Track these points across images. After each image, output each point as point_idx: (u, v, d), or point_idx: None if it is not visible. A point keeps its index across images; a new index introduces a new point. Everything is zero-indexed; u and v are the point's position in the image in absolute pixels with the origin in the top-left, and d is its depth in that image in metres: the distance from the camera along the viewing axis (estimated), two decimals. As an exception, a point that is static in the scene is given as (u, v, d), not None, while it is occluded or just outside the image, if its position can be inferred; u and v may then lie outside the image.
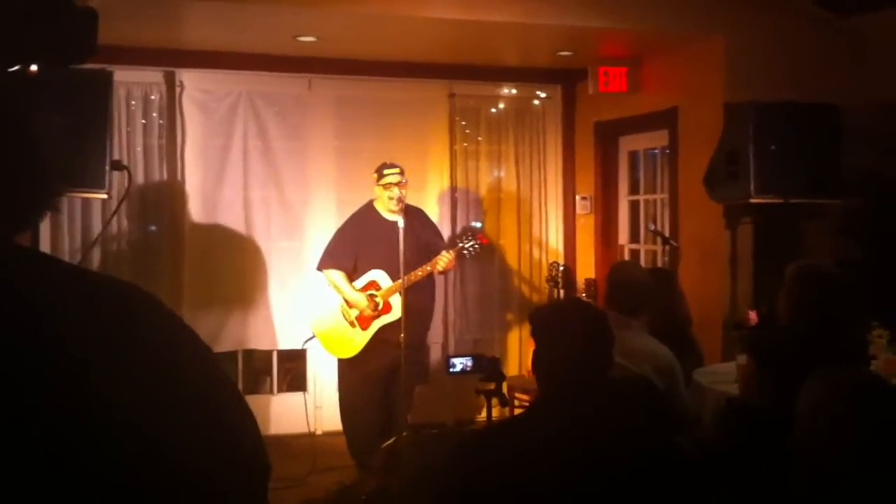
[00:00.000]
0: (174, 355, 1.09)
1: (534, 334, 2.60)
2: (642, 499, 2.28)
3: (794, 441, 2.15)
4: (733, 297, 5.29)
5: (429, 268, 5.41)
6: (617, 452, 2.30)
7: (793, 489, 2.09)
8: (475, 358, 4.19)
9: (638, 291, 3.79)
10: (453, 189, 6.85)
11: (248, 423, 1.15)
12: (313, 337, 5.60)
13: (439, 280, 6.05)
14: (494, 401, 3.92)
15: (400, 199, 5.30)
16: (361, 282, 5.47)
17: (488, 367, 3.99)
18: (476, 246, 5.63)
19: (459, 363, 4.15)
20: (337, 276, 5.47)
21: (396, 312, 5.34)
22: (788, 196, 4.86)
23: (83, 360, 1.00)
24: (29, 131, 1.07)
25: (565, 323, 2.57)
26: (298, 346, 6.15)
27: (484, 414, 6.03)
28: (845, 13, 5.35)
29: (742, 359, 3.71)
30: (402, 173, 5.47)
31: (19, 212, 1.08)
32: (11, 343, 0.97)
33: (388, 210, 5.43)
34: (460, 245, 5.60)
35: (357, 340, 5.45)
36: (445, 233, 6.54)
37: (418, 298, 5.40)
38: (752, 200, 4.87)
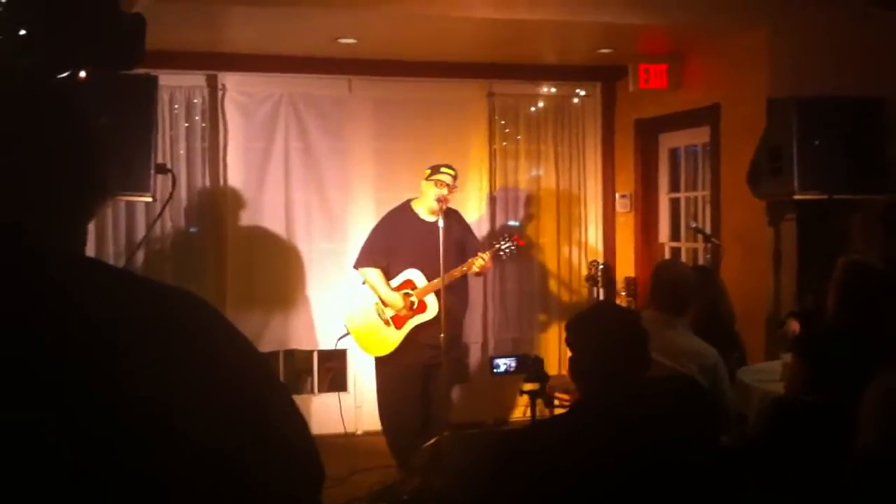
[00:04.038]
0: (228, 361, 1.09)
1: (568, 342, 2.61)
2: (687, 496, 2.27)
3: (855, 442, 2.10)
4: (777, 295, 5.23)
5: (464, 268, 5.39)
6: (661, 450, 2.29)
7: (849, 488, 2.05)
8: (518, 358, 4.16)
9: (683, 290, 3.76)
10: (493, 188, 6.85)
11: (302, 428, 1.15)
12: (347, 334, 5.61)
13: (478, 279, 6.04)
14: (538, 401, 3.90)
15: (444, 200, 5.29)
16: (397, 280, 5.47)
17: (532, 368, 3.96)
18: (513, 247, 5.59)
19: (503, 364, 4.13)
20: (373, 274, 5.47)
21: (431, 312, 5.34)
22: (833, 192, 4.78)
23: (136, 363, 1.01)
24: (90, 133, 1.09)
25: (597, 326, 2.58)
26: (336, 347, 6.18)
27: (523, 413, 6.03)
28: (890, 5, 5.25)
29: (787, 357, 3.67)
30: (455, 178, 5.47)
31: (80, 213, 1.10)
32: (60, 345, 0.98)
33: (428, 210, 5.43)
34: (497, 246, 5.56)
35: (392, 339, 5.45)
36: (485, 233, 6.54)
37: (451, 298, 5.39)
38: (796, 197, 4.81)
